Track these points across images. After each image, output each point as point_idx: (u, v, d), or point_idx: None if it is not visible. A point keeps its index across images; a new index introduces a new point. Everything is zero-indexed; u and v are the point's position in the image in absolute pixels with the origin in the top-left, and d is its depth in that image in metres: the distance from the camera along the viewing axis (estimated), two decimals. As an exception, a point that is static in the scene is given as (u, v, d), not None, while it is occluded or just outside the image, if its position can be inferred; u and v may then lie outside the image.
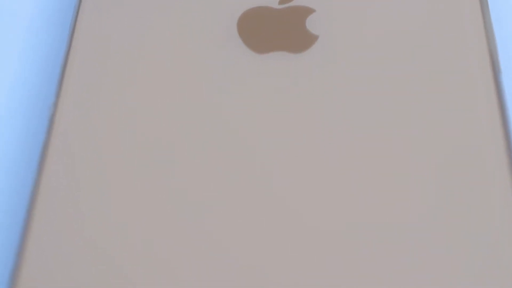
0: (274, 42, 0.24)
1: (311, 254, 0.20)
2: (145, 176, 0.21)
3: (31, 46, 0.26)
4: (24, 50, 0.25)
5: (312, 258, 0.20)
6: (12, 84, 0.25)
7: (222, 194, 0.21)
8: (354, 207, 0.21)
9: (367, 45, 0.23)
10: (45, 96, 0.24)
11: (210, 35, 0.24)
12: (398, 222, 0.20)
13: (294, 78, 0.23)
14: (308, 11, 0.24)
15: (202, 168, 0.21)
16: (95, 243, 0.20)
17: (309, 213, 0.21)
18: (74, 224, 0.20)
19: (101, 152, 0.22)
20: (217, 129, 0.22)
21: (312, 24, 0.24)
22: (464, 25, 0.23)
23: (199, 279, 0.19)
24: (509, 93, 0.23)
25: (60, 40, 0.25)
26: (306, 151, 0.22)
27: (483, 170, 0.21)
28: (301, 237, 0.20)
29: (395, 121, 0.22)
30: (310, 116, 0.22)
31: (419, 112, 0.22)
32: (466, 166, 0.21)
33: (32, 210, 0.20)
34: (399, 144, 0.22)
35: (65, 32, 0.25)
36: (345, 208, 0.21)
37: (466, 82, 0.22)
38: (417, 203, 0.21)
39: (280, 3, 0.24)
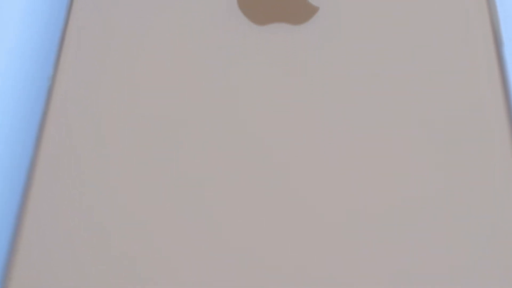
0: (274, 14, 0.23)
1: (314, 244, 0.20)
2: (143, 175, 0.21)
3: (22, 44, 0.25)
4: (15, 48, 0.25)
5: (315, 248, 0.20)
6: (2, 82, 0.24)
7: (222, 176, 0.21)
8: (354, 186, 0.21)
9: (368, 18, 0.23)
10: (36, 96, 0.24)
11: (210, 7, 0.24)
12: (401, 210, 0.20)
13: (294, 50, 0.23)
14: (308, -18, 0.24)
15: (203, 145, 0.21)
16: (89, 241, 0.20)
17: (310, 198, 0.20)
18: (68, 223, 0.20)
19: (96, 150, 0.21)
20: (217, 103, 0.22)
21: (312, -5, 0.24)
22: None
23: (199, 279, 0.19)
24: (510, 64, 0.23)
25: (52, 37, 0.25)
26: (307, 128, 0.22)
27: (485, 142, 0.21)
28: (304, 227, 0.20)
29: (396, 96, 0.22)
30: (311, 89, 0.22)
31: (420, 90, 0.22)
32: (468, 141, 0.21)
33: (23, 211, 0.20)
34: (401, 122, 0.22)
35: (57, 28, 0.25)
36: (347, 191, 0.21)
37: (468, 54, 0.22)
38: (421, 192, 0.21)
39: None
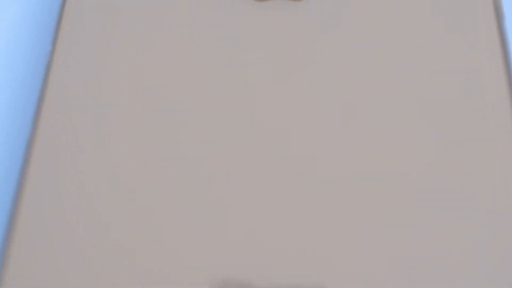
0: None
1: (316, 231, 0.20)
2: (140, 171, 0.21)
3: (14, 48, 0.25)
4: (7, 51, 0.25)
5: (317, 233, 0.20)
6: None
7: (223, 163, 0.21)
8: (354, 155, 0.21)
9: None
10: (29, 97, 0.24)
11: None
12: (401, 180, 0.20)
13: (294, 26, 0.23)
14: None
15: (202, 130, 0.21)
16: (85, 240, 0.20)
17: (311, 183, 0.20)
18: (62, 221, 0.20)
19: (91, 147, 0.21)
20: (215, 85, 0.22)
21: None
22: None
23: (202, 267, 0.19)
24: None
25: (45, 37, 0.25)
26: (306, 101, 0.21)
27: (487, 117, 0.21)
28: (306, 211, 0.20)
29: (398, 76, 0.22)
30: (312, 67, 0.22)
31: (423, 70, 0.22)
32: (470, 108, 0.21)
33: (16, 212, 0.20)
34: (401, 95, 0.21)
35: (50, 29, 0.25)
36: (349, 176, 0.20)
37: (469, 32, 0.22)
38: (421, 161, 0.20)
39: None
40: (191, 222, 0.20)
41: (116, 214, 0.20)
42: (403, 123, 0.21)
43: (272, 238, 0.20)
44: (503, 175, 0.20)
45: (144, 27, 0.23)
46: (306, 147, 0.21)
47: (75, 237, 0.20)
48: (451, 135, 0.21)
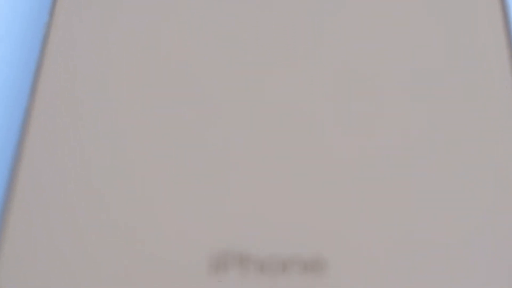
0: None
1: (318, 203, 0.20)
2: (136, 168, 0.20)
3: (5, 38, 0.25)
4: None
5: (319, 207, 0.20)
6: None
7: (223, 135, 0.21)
8: (355, 130, 0.21)
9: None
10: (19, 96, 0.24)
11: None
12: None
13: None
14: None
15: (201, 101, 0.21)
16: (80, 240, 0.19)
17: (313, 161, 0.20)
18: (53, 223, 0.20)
19: (85, 145, 0.21)
20: (214, 46, 0.22)
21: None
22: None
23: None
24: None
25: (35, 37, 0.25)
26: (308, 79, 0.21)
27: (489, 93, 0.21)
28: (307, 184, 0.20)
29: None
30: (313, 46, 0.22)
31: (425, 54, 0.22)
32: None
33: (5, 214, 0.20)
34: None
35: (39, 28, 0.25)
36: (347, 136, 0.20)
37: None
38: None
39: None
40: (189, 194, 0.20)
41: (112, 187, 0.20)
42: (406, 100, 0.21)
43: (271, 210, 0.19)
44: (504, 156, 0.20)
45: (139, 17, 0.23)
46: (308, 121, 0.21)
47: (71, 207, 0.20)
48: (453, 115, 0.21)
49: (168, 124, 0.21)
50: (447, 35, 0.22)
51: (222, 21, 0.23)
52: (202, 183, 0.20)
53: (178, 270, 0.19)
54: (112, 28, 0.23)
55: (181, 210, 0.19)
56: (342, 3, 0.23)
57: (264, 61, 0.22)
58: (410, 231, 0.19)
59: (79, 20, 0.23)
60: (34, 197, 0.20)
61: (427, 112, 0.21)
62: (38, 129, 0.21)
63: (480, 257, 0.19)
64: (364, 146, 0.20)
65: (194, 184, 0.20)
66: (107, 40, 0.22)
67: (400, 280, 0.18)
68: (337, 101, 0.21)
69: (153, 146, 0.20)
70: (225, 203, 0.20)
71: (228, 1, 0.23)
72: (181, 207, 0.20)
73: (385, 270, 0.19)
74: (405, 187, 0.20)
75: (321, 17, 0.23)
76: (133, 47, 0.22)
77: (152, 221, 0.19)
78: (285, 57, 0.22)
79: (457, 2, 0.23)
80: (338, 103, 0.21)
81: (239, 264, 0.19)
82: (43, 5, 0.25)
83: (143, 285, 0.19)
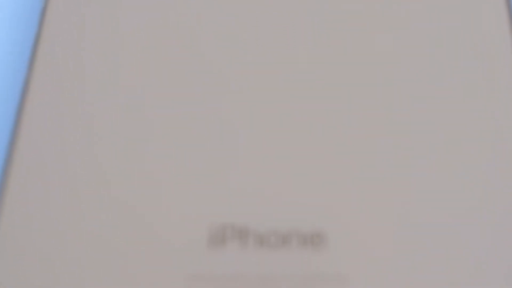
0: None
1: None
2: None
3: None
4: None
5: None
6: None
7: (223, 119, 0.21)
8: (354, 103, 0.21)
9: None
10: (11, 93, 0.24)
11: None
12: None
13: None
14: None
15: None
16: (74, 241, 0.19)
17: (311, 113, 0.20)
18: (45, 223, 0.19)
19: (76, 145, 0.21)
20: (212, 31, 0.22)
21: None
22: None
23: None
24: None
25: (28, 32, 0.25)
26: (307, 50, 0.22)
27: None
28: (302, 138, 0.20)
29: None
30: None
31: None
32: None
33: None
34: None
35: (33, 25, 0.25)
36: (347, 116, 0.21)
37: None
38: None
39: None
40: (190, 169, 0.20)
41: (115, 160, 0.20)
42: (407, 83, 0.21)
43: (271, 185, 0.20)
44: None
45: (135, 10, 0.23)
46: (308, 97, 0.21)
47: (71, 172, 0.20)
48: (453, 85, 0.21)
49: (167, 100, 0.21)
50: (451, 33, 0.22)
51: (215, 12, 0.23)
52: (202, 158, 0.20)
53: (178, 243, 0.19)
54: (105, 24, 0.23)
55: (182, 185, 0.20)
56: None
57: (267, 45, 0.22)
58: (410, 207, 0.19)
59: (71, 21, 0.23)
60: (27, 190, 0.20)
61: (431, 98, 0.21)
62: (30, 126, 0.21)
63: (481, 233, 0.19)
64: (364, 123, 0.21)
65: (195, 159, 0.20)
66: (101, 37, 0.22)
67: (398, 254, 0.19)
68: (337, 80, 0.21)
69: (154, 122, 0.21)
70: (225, 177, 0.20)
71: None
72: (182, 181, 0.20)
73: (384, 243, 0.19)
74: (404, 161, 0.20)
75: (326, 10, 0.23)
76: (128, 39, 0.22)
77: (152, 196, 0.20)
78: (287, 46, 0.22)
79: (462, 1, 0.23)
80: (339, 82, 0.21)
81: (239, 238, 0.19)
82: (35, 4, 0.25)
83: (143, 259, 0.19)
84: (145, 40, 0.22)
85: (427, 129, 0.20)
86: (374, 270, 0.18)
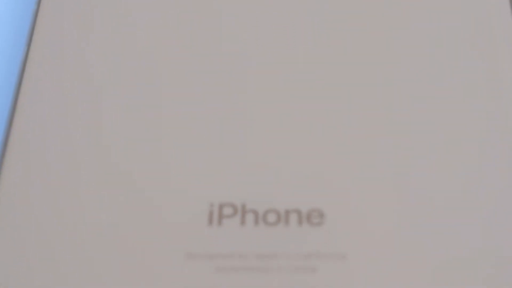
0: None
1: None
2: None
3: None
4: None
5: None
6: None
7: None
8: (354, 87, 0.21)
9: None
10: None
11: None
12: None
13: None
14: None
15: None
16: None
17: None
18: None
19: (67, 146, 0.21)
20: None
21: None
22: None
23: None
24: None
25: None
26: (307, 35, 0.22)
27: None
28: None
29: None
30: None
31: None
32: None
33: None
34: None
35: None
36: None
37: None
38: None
39: None
40: (191, 148, 0.20)
41: (120, 137, 0.20)
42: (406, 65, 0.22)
43: (271, 164, 0.20)
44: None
45: (123, 17, 0.23)
46: (309, 77, 0.21)
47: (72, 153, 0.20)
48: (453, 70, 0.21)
49: (170, 79, 0.21)
50: (453, 32, 0.22)
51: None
52: (203, 138, 0.20)
53: (179, 221, 0.19)
54: (99, 22, 0.23)
55: (183, 164, 0.20)
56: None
57: (273, 38, 0.22)
58: (408, 187, 0.19)
59: (64, 19, 0.23)
60: (20, 189, 0.20)
61: (427, 84, 0.21)
62: (24, 124, 0.21)
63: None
64: (366, 105, 0.21)
65: (196, 140, 0.20)
66: (94, 34, 0.22)
67: (395, 233, 0.19)
68: (335, 67, 0.22)
69: (155, 104, 0.21)
70: (226, 157, 0.20)
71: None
72: (183, 160, 0.20)
73: (381, 221, 0.19)
74: (403, 141, 0.20)
75: (327, 6, 0.23)
76: (122, 36, 0.22)
77: (154, 173, 0.20)
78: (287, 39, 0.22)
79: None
80: (337, 69, 0.21)
81: (239, 216, 0.19)
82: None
83: (145, 237, 0.19)
84: (140, 36, 0.22)
85: (426, 111, 0.21)
86: (372, 249, 0.19)
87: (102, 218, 0.19)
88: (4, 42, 0.25)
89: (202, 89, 0.21)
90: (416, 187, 0.19)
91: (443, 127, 0.20)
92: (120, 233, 0.19)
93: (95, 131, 0.20)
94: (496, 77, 0.21)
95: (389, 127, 0.20)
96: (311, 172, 0.20)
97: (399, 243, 0.19)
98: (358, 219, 0.19)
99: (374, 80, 0.21)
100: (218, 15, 0.23)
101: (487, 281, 0.18)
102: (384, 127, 0.20)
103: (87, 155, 0.20)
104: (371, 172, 0.20)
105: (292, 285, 0.18)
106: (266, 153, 0.20)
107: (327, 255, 0.18)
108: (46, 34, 0.22)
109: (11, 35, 0.25)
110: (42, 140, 0.20)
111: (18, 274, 0.18)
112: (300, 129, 0.20)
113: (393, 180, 0.20)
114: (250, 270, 0.18)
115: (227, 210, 0.19)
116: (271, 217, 0.19)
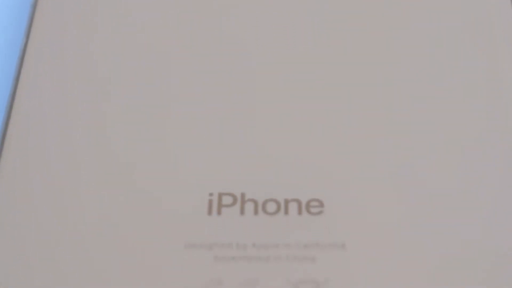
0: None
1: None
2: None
3: None
4: None
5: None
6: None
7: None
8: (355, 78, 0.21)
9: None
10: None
11: None
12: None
13: None
14: None
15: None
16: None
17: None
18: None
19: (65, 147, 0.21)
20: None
21: None
22: None
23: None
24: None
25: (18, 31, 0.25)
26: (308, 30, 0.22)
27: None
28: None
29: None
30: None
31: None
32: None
33: None
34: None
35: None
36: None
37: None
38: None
39: None
40: (191, 139, 0.20)
41: (119, 129, 0.20)
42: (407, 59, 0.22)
43: (270, 153, 0.20)
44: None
45: (123, 16, 0.23)
46: (311, 70, 0.21)
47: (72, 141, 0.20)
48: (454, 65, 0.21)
49: (169, 71, 0.21)
50: (453, 32, 0.22)
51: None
52: (202, 128, 0.20)
53: (179, 210, 0.19)
54: (95, 22, 0.23)
55: (182, 154, 0.20)
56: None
57: (274, 36, 0.22)
58: (408, 178, 0.20)
59: (61, 19, 0.23)
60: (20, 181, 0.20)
61: (425, 76, 0.21)
62: (22, 119, 0.21)
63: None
64: (366, 96, 0.21)
65: (195, 130, 0.20)
66: (90, 34, 0.22)
67: (394, 223, 0.19)
68: (334, 60, 0.22)
69: (155, 94, 0.21)
70: (225, 147, 0.20)
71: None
72: (182, 150, 0.20)
73: (381, 212, 0.19)
74: (403, 135, 0.20)
75: (328, 6, 0.23)
76: (119, 35, 0.22)
77: (153, 164, 0.20)
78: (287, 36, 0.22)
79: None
80: (340, 59, 0.22)
81: (238, 205, 0.19)
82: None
83: (144, 226, 0.19)
84: (140, 31, 0.22)
85: (426, 105, 0.21)
86: (371, 239, 0.19)
87: (101, 208, 0.19)
88: (1, 37, 0.25)
89: (202, 81, 0.21)
90: (417, 178, 0.19)
91: (443, 119, 0.20)
92: (119, 223, 0.19)
93: (93, 123, 0.21)
94: (497, 77, 0.21)
95: (389, 119, 0.20)
96: (310, 162, 0.20)
97: (399, 233, 0.19)
98: (357, 209, 0.19)
99: (374, 75, 0.21)
100: (221, 13, 0.23)
101: (486, 278, 0.18)
102: (385, 120, 0.20)
103: (85, 147, 0.20)
104: (371, 163, 0.20)
105: (291, 274, 0.18)
106: (265, 143, 0.20)
107: (327, 245, 0.19)
108: (45, 29, 0.22)
109: (9, 30, 0.25)
110: (40, 134, 0.20)
111: (18, 273, 0.18)
112: (299, 119, 0.20)
113: (393, 170, 0.20)
114: (250, 260, 0.18)
115: (227, 200, 0.19)
116: (271, 207, 0.19)
